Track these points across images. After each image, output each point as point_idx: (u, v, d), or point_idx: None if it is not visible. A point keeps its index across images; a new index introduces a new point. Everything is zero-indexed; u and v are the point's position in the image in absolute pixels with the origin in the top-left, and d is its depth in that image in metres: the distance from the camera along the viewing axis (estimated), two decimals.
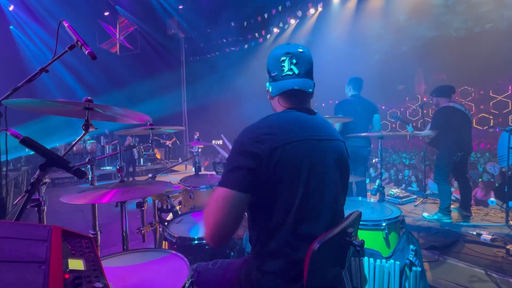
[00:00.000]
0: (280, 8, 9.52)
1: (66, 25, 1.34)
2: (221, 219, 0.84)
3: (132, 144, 8.53)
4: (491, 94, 6.79)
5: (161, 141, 10.34)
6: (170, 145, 10.69)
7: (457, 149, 3.29)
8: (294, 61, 0.97)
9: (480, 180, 4.70)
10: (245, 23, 10.71)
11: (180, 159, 11.78)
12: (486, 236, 2.75)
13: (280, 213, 0.88)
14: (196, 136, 2.49)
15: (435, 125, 3.38)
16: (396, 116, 3.79)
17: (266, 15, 10.03)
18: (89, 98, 1.26)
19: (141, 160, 10.24)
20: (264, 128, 0.91)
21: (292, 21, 10.48)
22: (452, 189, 4.18)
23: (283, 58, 0.98)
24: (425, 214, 3.51)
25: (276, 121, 0.94)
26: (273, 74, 1.00)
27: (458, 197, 3.75)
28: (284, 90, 0.97)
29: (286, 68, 0.98)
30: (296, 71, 0.97)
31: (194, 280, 1.03)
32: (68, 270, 0.55)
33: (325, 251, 0.82)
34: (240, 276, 0.98)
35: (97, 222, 1.62)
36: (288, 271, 0.88)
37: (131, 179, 6.75)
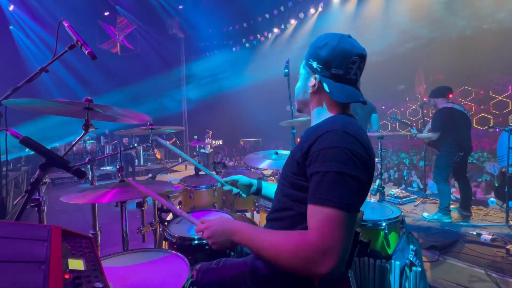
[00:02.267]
0: (282, 8, 9.52)
1: (66, 25, 1.34)
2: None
3: (127, 144, 8.57)
4: (491, 94, 6.79)
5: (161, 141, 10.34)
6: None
7: (457, 149, 3.30)
8: (362, 65, 0.90)
9: (480, 180, 4.70)
10: (245, 24, 10.72)
11: (180, 159, 11.78)
12: (486, 236, 2.75)
13: None
14: (196, 136, 2.49)
15: (436, 127, 3.38)
16: (395, 118, 3.80)
17: (267, 15, 10.03)
18: (89, 98, 1.26)
19: (141, 159, 10.25)
20: (361, 134, 0.81)
21: (293, 21, 10.49)
22: (453, 189, 4.18)
23: (355, 59, 0.87)
24: (425, 214, 3.51)
25: (359, 127, 0.84)
26: (334, 72, 0.88)
27: (458, 196, 3.75)
28: (352, 101, 0.89)
29: (353, 71, 0.88)
30: (358, 77, 0.90)
31: (198, 280, 1.03)
32: (68, 270, 0.55)
33: None
34: (247, 275, 0.97)
35: (97, 222, 1.62)
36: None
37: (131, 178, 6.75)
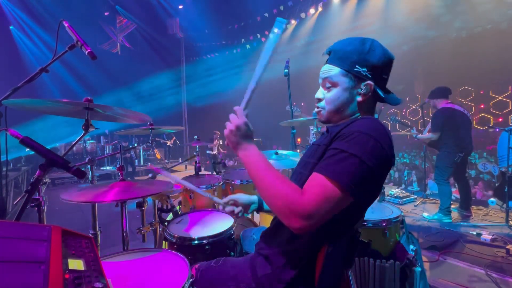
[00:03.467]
0: (282, 7, 9.51)
1: (66, 25, 1.34)
2: None
3: (126, 145, 8.57)
4: (491, 94, 6.78)
5: (161, 141, 10.34)
6: (171, 145, 10.69)
7: (458, 150, 3.29)
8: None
9: (481, 176, 4.71)
10: (245, 24, 10.71)
11: (180, 159, 11.77)
12: (486, 236, 2.75)
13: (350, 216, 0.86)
14: (196, 136, 2.48)
15: (435, 128, 3.38)
16: (395, 119, 3.80)
17: (267, 15, 10.03)
18: (89, 98, 1.26)
19: (141, 159, 10.25)
20: (390, 135, 0.84)
21: (293, 21, 10.49)
22: (453, 189, 4.18)
23: (392, 64, 0.95)
24: (425, 214, 3.51)
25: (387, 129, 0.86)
26: (384, 77, 0.92)
27: (458, 196, 3.75)
28: (399, 103, 0.94)
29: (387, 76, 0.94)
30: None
31: (197, 279, 1.03)
32: (68, 270, 0.55)
33: (337, 251, 0.83)
34: (246, 274, 0.97)
35: (97, 222, 1.62)
36: (301, 268, 0.88)
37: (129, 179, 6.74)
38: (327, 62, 0.94)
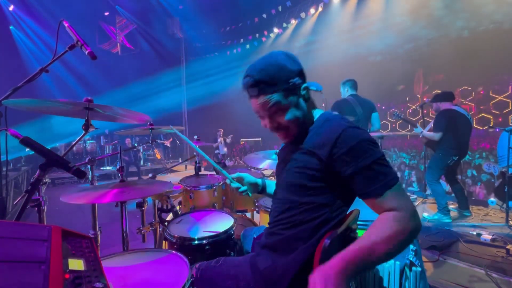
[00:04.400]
0: (280, 8, 9.52)
1: (66, 25, 1.34)
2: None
3: (130, 145, 8.55)
4: (491, 94, 6.78)
5: (159, 141, 10.34)
6: (168, 144, 10.69)
7: (452, 153, 3.30)
8: None
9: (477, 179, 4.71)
10: (244, 23, 10.71)
11: (180, 159, 11.78)
12: (486, 236, 2.75)
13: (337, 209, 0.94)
14: (196, 136, 2.47)
15: (438, 128, 3.35)
16: (397, 115, 3.79)
17: (265, 15, 10.03)
18: (89, 98, 1.26)
19: (141, 159, 10.24)
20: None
21: (293, 21, 10.49)
22: (446, 188, 4.18)
23: None
24: (425, 214, 3.51)
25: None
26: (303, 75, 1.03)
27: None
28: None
29: None
30: None
31: (197, 278, 1.04)
32: (68, 270, 0.55)
33: (333, 247, 0.84)
34: (246, 273, 0.98)
35: (97, 222, 1.62)
36: (299, 266, 0.91)
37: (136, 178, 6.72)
38: (261, 94, 0.92)
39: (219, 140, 8.36)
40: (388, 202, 0.82)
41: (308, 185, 0.92)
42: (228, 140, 8.74)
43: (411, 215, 0.80)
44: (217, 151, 8.25)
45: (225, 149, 8.50)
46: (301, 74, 0.95)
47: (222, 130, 8.70)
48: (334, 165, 0.87)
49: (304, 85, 0.96)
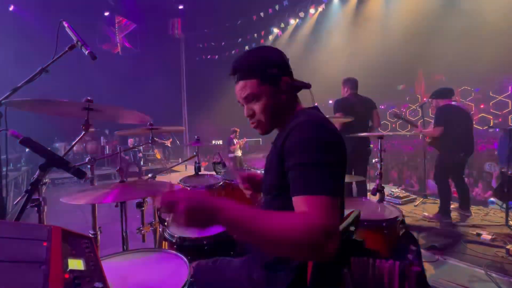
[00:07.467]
0: (277, 7, 9.51)
1: (66, 25, 1.34)
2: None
3: (132, 145, 8.52)
4: (491, 94, 6.79)
5: (159, 141, 10.32)
6: (169, 144, 10.68)
7: (459, 150, 3.28)
8: None
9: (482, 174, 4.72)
10: (244, 24, 10.71)
11: (180, 159, 11.78)
12: (486, 236, 2.75)
13: None
14: (196, 137, 2.46)
15: (438, 122, 3.34)
16: (398, 115, 3.79)
17: (263, 15, 10.03)
18: (89, 98, 1.26)
19: (141, 160, 10.24)
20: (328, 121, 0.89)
21: (292, 21, 10.49)
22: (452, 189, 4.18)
23: None
24: (425, 214, 3.51)
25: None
26: (290, 70, 1.00)
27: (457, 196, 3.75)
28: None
29: None
30: None
31: (194, 277, 1.04)
32: (68, 270, 0.55)
33: None
34: (242, 274, 0.98)
35: (97, 222, 1.62)
36: (294, 270, 0.89)
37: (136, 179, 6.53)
38: (240, 80, 0.93)
39: (235, 141, 7.10)
40: (310, 207, 0.68)
41: (280, 184, 0.85)
42: (242, 144, 7.46)
43: (324, 231, 0.61)
44: (231, 155, 6.96)
45: (240, 152, 7.24)
46: (281, 66, 0.93)
47: (238, 130, 7.30)
48: (284, 158, 0.81)
49: (285, 78, 0.92)
